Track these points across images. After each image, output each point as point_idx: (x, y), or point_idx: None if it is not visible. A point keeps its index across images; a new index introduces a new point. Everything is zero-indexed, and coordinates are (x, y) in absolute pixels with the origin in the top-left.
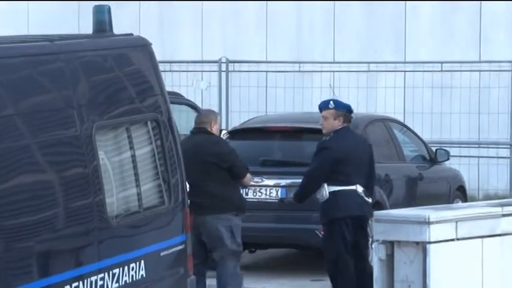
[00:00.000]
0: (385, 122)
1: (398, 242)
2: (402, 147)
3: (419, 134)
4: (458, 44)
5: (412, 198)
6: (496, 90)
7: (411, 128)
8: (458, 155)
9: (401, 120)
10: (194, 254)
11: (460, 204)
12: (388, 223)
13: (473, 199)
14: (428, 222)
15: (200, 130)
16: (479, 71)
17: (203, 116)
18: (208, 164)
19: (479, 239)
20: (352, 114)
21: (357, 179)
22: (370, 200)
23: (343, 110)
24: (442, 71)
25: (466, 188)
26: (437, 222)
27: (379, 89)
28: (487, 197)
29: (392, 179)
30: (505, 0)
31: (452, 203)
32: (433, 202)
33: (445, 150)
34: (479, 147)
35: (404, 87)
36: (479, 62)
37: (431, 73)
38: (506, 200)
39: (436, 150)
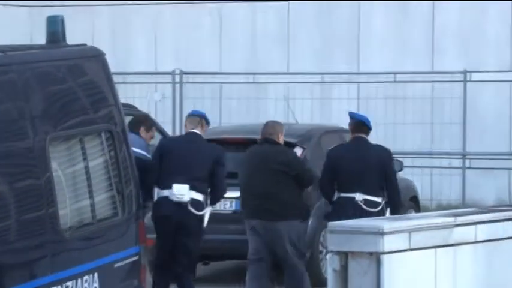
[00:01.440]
0: (339, 133)
1: (352, 252)
2: None
3: None
4: (411, 55)
5: None
6: (449, 100)
7: None
8: (412, 165)
9: None
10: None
11: (414, 214)
12: (341, 234)
13: (427, 209)
14: (381, 233)
15: (268, 141)
16: (432, 81)
17: (270, 128)
18: (278, 172)
19: (433, 249)
20: (305, 125)
21: (358, 187)
22: (373, 210)
23: (355, 120)
24: (395, 81)
25: (419, 198)
26: (390, 232)
27: (333, 100)
28: (440, 207)
29: None
30: (458, 0)
31: (405, 213)
32: None
33: (399, 160)
34: (432, 157)
35: (358, 98)
36: (432, 72)
37: (384, 84)
38: (459, 210)
39: None
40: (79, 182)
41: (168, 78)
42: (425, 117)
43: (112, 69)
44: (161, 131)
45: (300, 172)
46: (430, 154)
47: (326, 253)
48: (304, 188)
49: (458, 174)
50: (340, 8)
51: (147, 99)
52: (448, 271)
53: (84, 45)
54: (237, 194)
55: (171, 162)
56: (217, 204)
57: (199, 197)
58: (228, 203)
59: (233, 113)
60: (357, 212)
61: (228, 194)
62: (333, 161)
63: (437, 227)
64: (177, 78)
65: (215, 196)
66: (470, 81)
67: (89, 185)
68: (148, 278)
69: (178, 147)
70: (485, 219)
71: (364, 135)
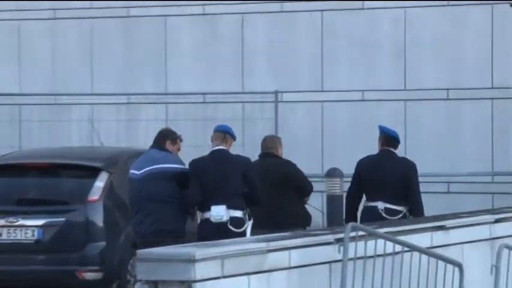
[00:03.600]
0: None
1: (163, 281)
2: None
3: None
4: (220, 75)
5: None
6: (261, 121)
7: None
8: None
9: None
10: None
11: (226, 240)
12: (151, 262)
13: None
14: (193, 260)
15: (269, 155)
16: (243, 102)
17: (269, 142)
18: (280, 183)
19: (246, 276)
20: (111, 148)
21: (381, 196)
22: (393, 218)
23: (388, 135)
24: (204, 102)
25: None
26: (202, 259)
27: (141, 121)
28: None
29: None
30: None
31: None
32: None
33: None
34: None
35: (167, 120)
36: (242, 93)
37: (194, 105)
38: (272, 235)
39: None
40: None
41: None
42: (237, 138)
43: None
44: None
45: (302, 183)
46: None
47: (134, 282)
48: (304, 198)
49: None
50: (146, 25)
51: None
52: None
53: None
54: (39, 222)
55: (205, 185)
56: (19, 233)
57: (238, 214)
58: (30, 231)
59: (34, 137)
60: (379, 220)
61: (30, 223)
62: (359, 170)
63: (250, 253)
64: None
65: (251, 202)
66: (281, 101)
67: None
68: None
69: (209, 169)
70: (298, 244)
71: (392, 149)
